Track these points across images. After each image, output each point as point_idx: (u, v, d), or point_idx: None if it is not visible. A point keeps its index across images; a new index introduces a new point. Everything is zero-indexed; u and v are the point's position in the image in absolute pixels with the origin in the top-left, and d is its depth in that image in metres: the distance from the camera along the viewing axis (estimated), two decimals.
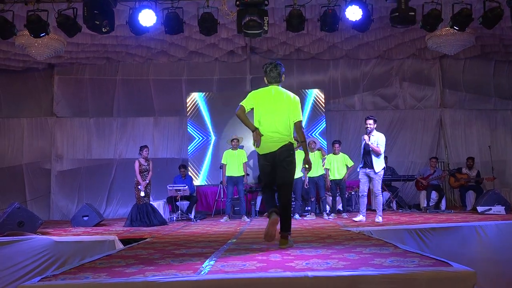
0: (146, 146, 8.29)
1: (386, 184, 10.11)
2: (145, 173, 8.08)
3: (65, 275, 3.05)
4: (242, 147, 9.54)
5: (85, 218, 8.21)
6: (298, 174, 8.63)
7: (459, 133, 11.43)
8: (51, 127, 11.15)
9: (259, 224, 7.85)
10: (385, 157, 10.15)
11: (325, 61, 11.50)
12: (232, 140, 8.89)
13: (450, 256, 3.81)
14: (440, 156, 11.21)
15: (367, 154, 7.24)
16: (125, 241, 5.74)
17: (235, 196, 9.19)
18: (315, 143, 8.85)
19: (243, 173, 8.76)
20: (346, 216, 7.99)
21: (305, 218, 8.54)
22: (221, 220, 8.56)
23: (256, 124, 4.24)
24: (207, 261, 3.55)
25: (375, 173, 7.18)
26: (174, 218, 9.14)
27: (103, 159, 11.15)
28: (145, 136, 11.24)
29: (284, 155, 4.13)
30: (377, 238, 4.93)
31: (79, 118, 11.25)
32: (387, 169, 10.13)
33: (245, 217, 8.63)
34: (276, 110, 4.16)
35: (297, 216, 8.61)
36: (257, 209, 9.66)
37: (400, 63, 11.58)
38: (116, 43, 10.41)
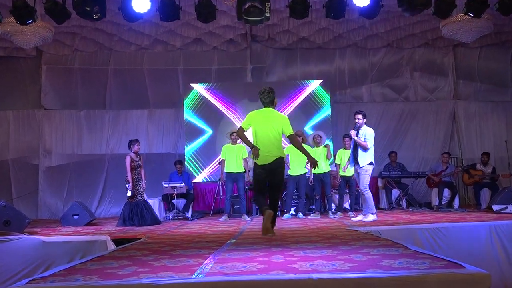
0: (137, 140, 8.19)
1: (396, 181, 10.14)
2: (137, 169, 8.01)
3: (54, 277, 3.05)
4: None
5: (75, 217, 8.21)
6: (301, 170, 8.67)
7: (474, 127, 11.39)
8: (38, 120, 11.08)
9: (261, 223, 7.78)
10: (394, 153, 10.25)
11: (331, 50, 11.44)
12: (231, 134, 8.85)
13: (463, 258, 3.87)
14: (453, 151, 11.16)
15: (355, 149, 7.39)
16: (118, 242, 5.73)
17: (235, 194, 9.19)
18: (320, 137, 8.83)
19: (243, 169, 8.76)
20: (353, 215, 7.98)
21: (309, 217, 8.54)
22: (220, 219, 8.56)
23: (253, 140, 5.37)
24: (205, 262, 3.56)
25: (360, 167, 7.30)
26: (170, 217, 9.13)
27: (94, 154, 11.15)
28: (139, 129, 11.21)
29: (277, 165, 5.32)
30: (385, 238, 4.94)
31: (68, 111, 11.18)
32: (396, 165, 10.26)
33: (245, 216, 8.63)
34: (270, 130, 5.33)
35: (300, 215, 8.62)
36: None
37: (411, 52, 11.53)
38: (108, 31, 10.42)
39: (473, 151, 11.21)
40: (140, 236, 6.11)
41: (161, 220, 8.73)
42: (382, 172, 10.17)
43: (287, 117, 5.54)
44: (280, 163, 5.36)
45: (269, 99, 5.44)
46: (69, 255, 5.56)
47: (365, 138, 7.33)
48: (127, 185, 7.91)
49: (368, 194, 7.35)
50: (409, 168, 10.62)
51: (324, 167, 8.57)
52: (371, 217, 7.29)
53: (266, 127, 5.32)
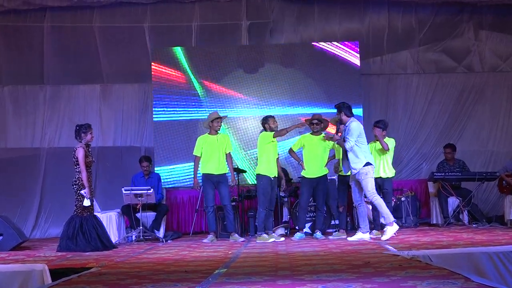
0: (89, 126, 8.14)
1: (454, 186, 10.09)
2: (91, 169, 8.08)
3: None
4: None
5: None
6: (320, 170, 8.70)
7: None
8: None
9: (262, 245, 7.90)
10: (451, 146, 10.26)
11: (362, 2, 11.49)
12: (213, 121, 8.79)
13: None
14: None
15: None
16: (59, 272, 5.68)
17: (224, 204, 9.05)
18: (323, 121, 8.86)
19: (227, 170, 8.87)
20: (385, 230, 7.98)
21: (330, 237, 8.60)
22: (205, 241, 8.59)
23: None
24: None
25: (357, 172, 7.98)
26: (133, 238, 9.13)
27: (25, 148, 11.14)
28: (88, 113, 11.19)
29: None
30: (438, 266, 4.93)
31: None
32: (454, 163, 10.30)
33: (236, 235, 8.73)
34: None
35: (318, 234, 8.65)
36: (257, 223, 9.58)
37: (475, 3, 11.45)
38: None
39: None
40: (91, 264, 6.10)
41: (120, 242, 8.74)
42: (435, 174, 10.15)
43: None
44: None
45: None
46: None
47: (346, 136, 7.98)
48: (82, 191, 7.86)
49: (379, 200, 7.95)
50: (472, 167, 10.58)
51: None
52: (390, 230, 7.79)
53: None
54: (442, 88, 11.51)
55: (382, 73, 11.62)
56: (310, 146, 8.68)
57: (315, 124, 8.65)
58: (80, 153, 7.84)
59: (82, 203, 7.86)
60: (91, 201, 7.95)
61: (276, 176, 8.64)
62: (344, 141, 7.99)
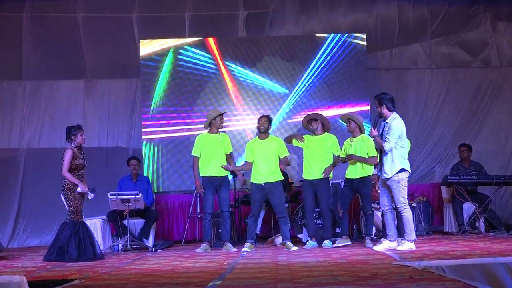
0: (80, 128, 8.23)
1: (470, 191, 10.08)
2: (81, 171, 8.11)
3: None
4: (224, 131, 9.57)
5: None
6: (320, 171, 8.71)
7: None
8: None
9: (260, 255, 7.88)
10: (467, 146, 10.30)
11: None
12: (215, 118, 8.82)
13: None
14: None
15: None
16: (38, 285, 5.58)
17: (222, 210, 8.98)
18: (354, 121, 8.68)
19: (228, 172, 8.88)
20: (403, 242, 7.92)
21: (333, 245, 8.61)
22: (197, 250, 8.58)
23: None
24: None
25: (388, 179, 7.78)
26: (120, 247, 9.13)
27: (1, 149, 11.08)
28: (70, 110, 11.22)
29: None
30: (452, 277, 4.90)
31: None
32: (470, 165, 10.31)
33: (229, 245, 8.73)
34: None
35: (327, 242, 8.62)
36: (258, 231, 9.65)
37: None
38: None
39: None
40: (73, 276, 6.06)
41: (106, 252, 8.70)
42: (449, 177, 10.12)
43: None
44: None
45: None
46: None
47: (386, 134, 7.69)
48: (77, 190, 7.95)
49: (409, 214, 7.77)
50: (489, 170, 10.58)
51: (359, 168, 8.59)
52: (408, 246, 7.55)
53: None
54: (457, 84, 11.52)
55: (391, 68, 11.64)
56: (310, 146, 8.71)
57: (312, 124, 8.73)
58: (67, 155, 7.94)
59: (73, 207, 7.94)
60: (91, 191, 8.08)
61: (271, 181, 8.66)
62: (383, 140, 7.72)
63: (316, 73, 11.10)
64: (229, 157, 8.92)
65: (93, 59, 11.41)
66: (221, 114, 8.88)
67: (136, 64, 11.17)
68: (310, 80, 11.06)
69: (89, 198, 8.09)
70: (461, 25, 11.63)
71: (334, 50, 11.13)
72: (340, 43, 11.17)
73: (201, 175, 8.81)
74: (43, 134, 11.09)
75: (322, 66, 11.10)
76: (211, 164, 8.73)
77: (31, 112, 11.25)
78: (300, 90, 11.02)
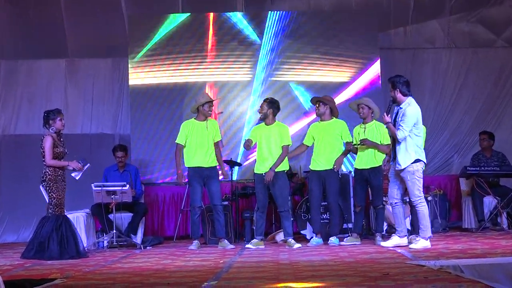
0: (59, 112, 8.29)
1: (491, 183, 10.04)
2: (62, 160, 8.20)
3: None
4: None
5: None
6: (329, 162, 8.68)
7: None
8: None
9: (260, 253, 7.94)
10: (488, 134, 10.63)
11: None
12: (203, 105, 8.86)
13: None
14: None
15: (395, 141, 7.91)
16: (15, 285, 5.52)
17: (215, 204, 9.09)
18: (369, 107, 8.69)
19: (217, 162, 8.99)
20: (417, 240, 7.96)
21: (342, 243, 8.66)
22: (191, 247, 8.68)
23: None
24: None
25: (403, 169, 7.71)
26: (105, 243, 9.17)
27: None
28: (50, 93, 11.21)
29: None
30: (471, 278, 4.94)
31: None
32: (492, 155, 10.32)
33: (225, 241, 8.79)
34: None
35: (334, 239, 8.63)
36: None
37: None
38: None
39: None
40: (54, 275, 6.10)
41: (89, 249, 8.76)
42: (468, 168, 10.11)
43: None
44: None
45: None
46: None
47: (399, 121, 7.65)
48: (69, 167, 8.16)
49: (424, 208, 7.76)
50: None
51: (371, 157, 8.63)
52: (423, 243, 7.59)
53: None
54: (478, 65, 11.52)
55: (406, 47, 11.62)
56: (318, 134, 8.78)
57: (320, 106, 8.78)
58: (47, 142, 8.03)
59: (56, 200, 7.98)
60: (83, 163, 8.26)
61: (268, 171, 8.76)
62: (396, 127, 7.69)
63: (324, 52, 11.08)
64: (216, 146, 8.99)
65: (76, 36, 11.38)
66: (210, 101, 8.96)
67: (124, 42, 11.21)
68: (317, 61, 11.06)
69: (77, 178, 8.26)
70: (483, 0, 11.56)
71: (343, 28, 11.19)
72: (349, 20, 11.24)
73: (187, 166, 8.91)
74: (20, 119, 11.16)
75: (330, 45, 11.12)
76: (197, 154, 8.82)
77: (7, 95, 11.29)
78: (306, 71, 11.07)
